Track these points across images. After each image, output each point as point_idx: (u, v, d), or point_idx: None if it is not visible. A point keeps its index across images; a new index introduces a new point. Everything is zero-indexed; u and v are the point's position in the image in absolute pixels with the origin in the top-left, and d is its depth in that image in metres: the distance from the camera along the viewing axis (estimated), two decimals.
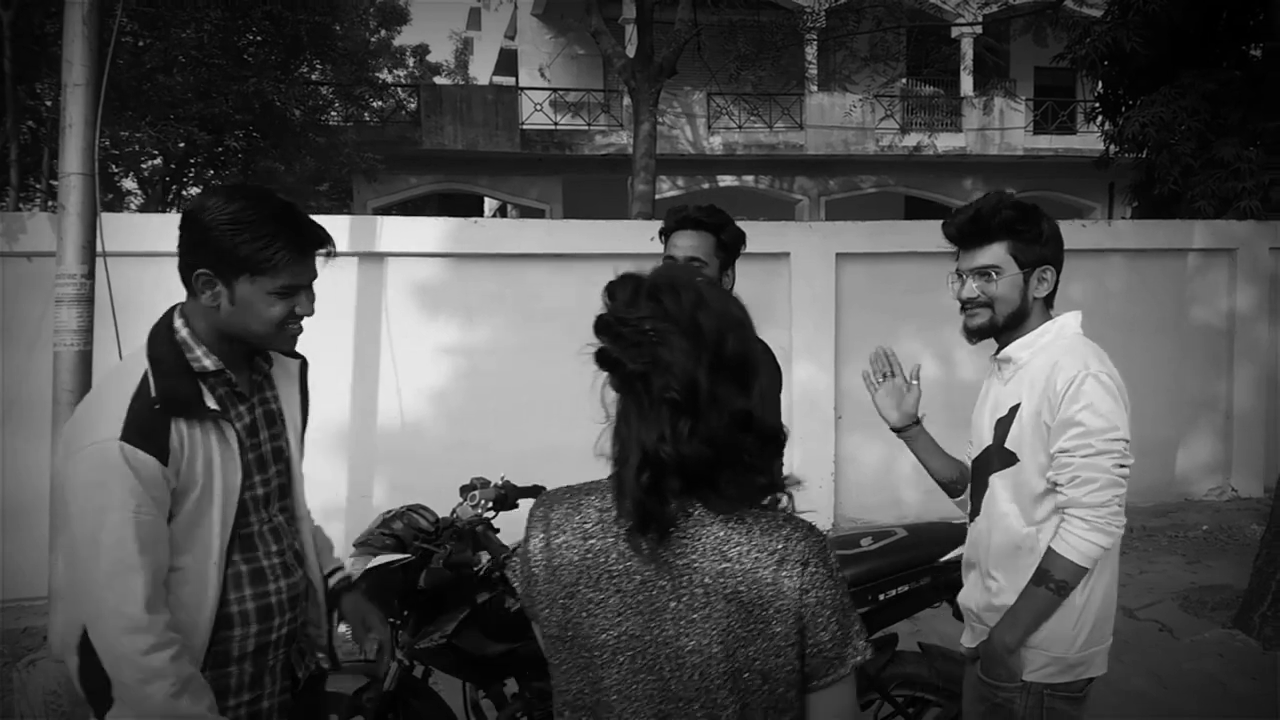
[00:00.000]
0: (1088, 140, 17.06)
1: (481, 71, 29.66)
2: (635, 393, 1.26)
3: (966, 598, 2.27)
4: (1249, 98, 9.22)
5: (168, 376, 1.67)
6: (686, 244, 2.59)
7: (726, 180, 20.10)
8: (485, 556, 2.59)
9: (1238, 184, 8.88)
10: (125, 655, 1.57)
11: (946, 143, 19.58)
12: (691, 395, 1.22)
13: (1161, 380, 7.13)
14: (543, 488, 2.95)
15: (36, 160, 10.68)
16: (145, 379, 1.65)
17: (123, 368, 1.73)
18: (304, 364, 2.01)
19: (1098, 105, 11.12)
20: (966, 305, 2.15)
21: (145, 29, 9.95)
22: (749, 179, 20.24)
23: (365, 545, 2.61)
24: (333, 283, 5.76)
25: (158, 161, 13.02)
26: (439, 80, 25.96)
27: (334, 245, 1.82)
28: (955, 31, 17.86)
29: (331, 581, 2.05)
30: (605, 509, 1.31)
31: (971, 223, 2.13)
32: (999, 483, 2.15)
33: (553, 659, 1.35)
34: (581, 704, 1.31)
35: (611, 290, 1.30)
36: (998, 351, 2.19)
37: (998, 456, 2.14)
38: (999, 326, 2.13)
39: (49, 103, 10.29)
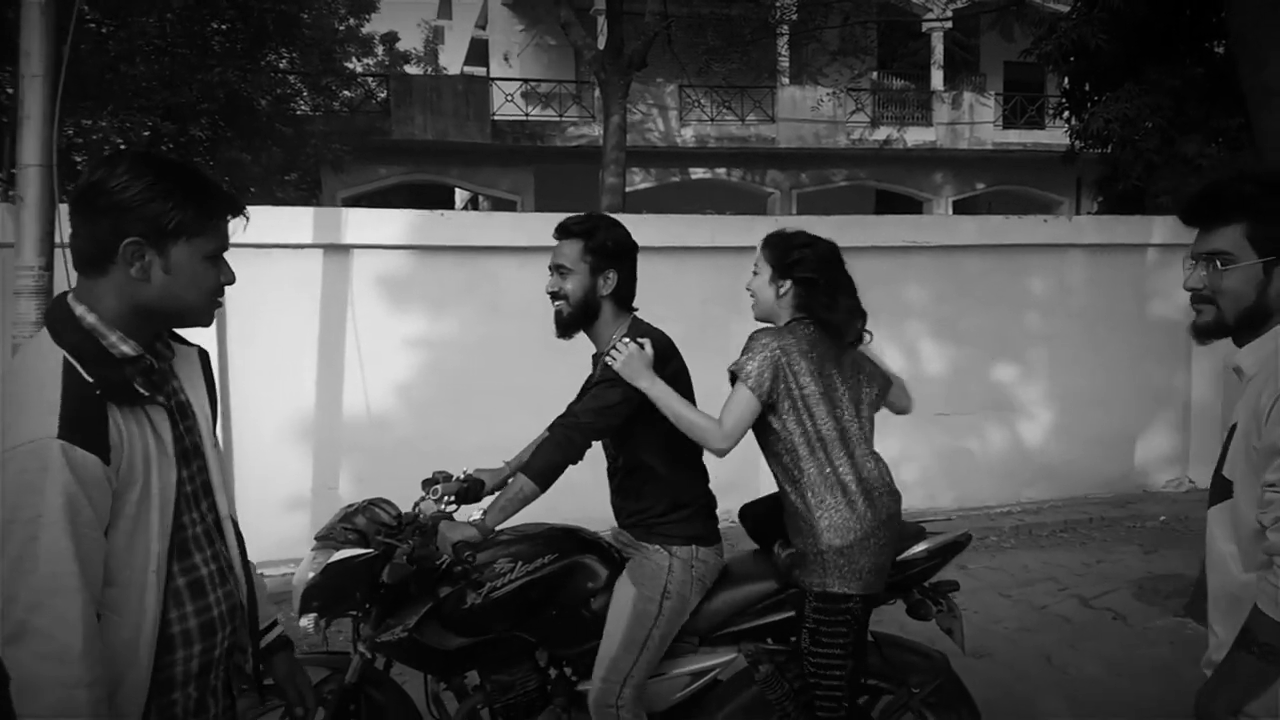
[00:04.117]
0: (1056, 135, 17.20)
1: (452, 61, 29.48)
2: (803, 285, 2.64)
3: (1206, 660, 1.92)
4: (1212, 94, 9.35)
5: (94, 363, 1.51)
6: (558, 252, 2.68)
7: (698, 173, 20.13)
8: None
9: (1200, 180, 9.02)
10: (45, 686, 1.39)
11: (917, 137, 19.71)
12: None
13: (1121, 373, 7.25)
14: None
15: None
16: (69, 368, 1.48)
17: (28, 363, 1.53)
18: (204, 353, 1.83)
19: (1064, 101, 11.24)
20: (1193, 298, 1.82)
21: (107, 17, 9.81)
22: (721, 171, 20.28)
23: (327, 539, 2.61)
24: (298, 274, 5.78)
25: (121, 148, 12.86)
26: (409, 69, 25.78)
27: (246, 212, 1.71)
28: (925, 26, 17.97)
29: (266, 639, 1.92)
30: (802, 335, 2.59)
31: (1203, 199, 1.81)
32: (1215, 518, 1.83)
33: (779, 408, 2.53)
34: (815, 432, 2.53)
35: (775, 237, 2.71)
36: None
37: (1216, 485, 1.81)
38: (1228, 327, 1.78)
39: (10, 90, 10.13)
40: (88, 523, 1.43)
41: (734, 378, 2.55)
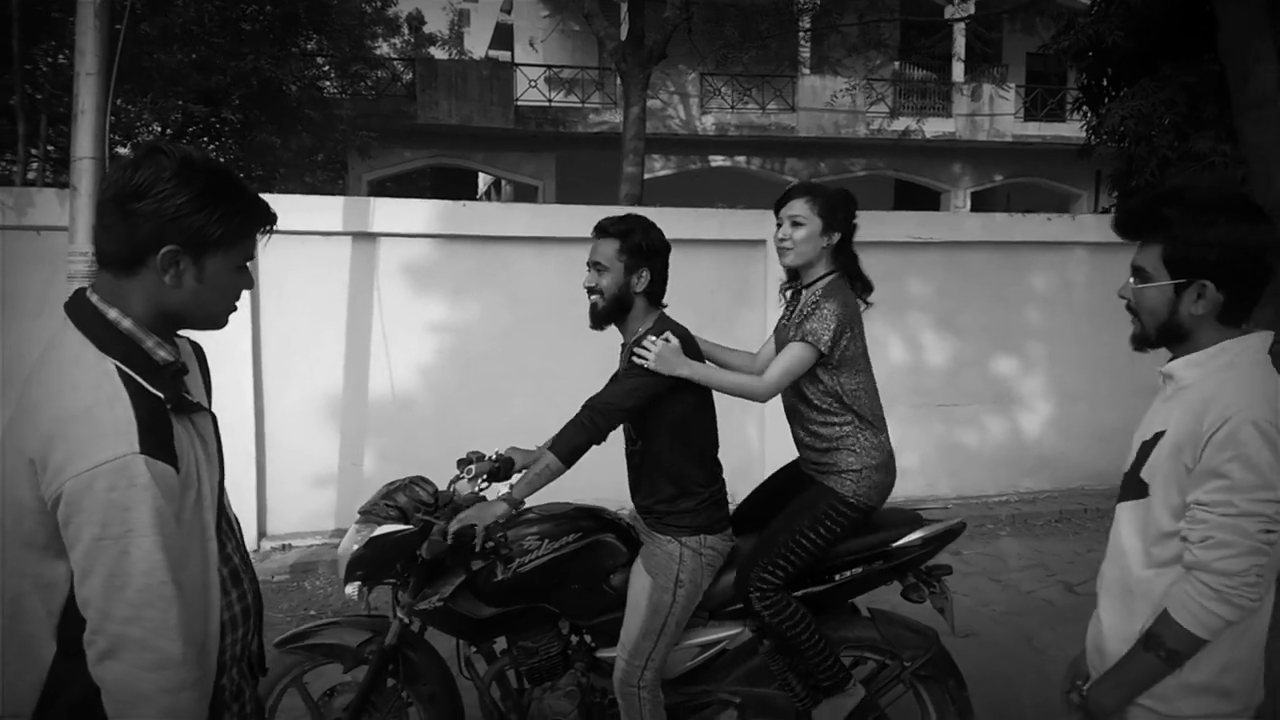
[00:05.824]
0: (1076, 128, 17.20)
1: (477, 45, 29.67)
2: (846, 239, 2.96)
3: (1088, 635, 2.02)
4: (1226, 92, 9.40)
5: (151, 374, 1.50)
6: (595, 249, 2.85)
7: (718, 160, 20.26)
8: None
9: (1212, 176, 9.10)
10: (147, 695, 1.40)
11: (936, 128, 19.78)
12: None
13: (1120, 368, 7.42)
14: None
15: (35, 127, 10.82)
16: (128, 380, 1.47)
17: (82, 375, 1.47)
18: (200, 349, 1.80)
19: (1081, 96, 11.32)
20: (1126, 307, 1.91)
21: (145, 5, 10.07)
22: (740, 159, 20.41)
23: (370, 514, 2.82)
24: (328, 260, 6.05)
25: (155, 130, 13.13)
26: (434, 52, 25.96)
27: (276, 219, 1.69)
28: (946, 16, 17.99)
29: None
30: (852, 298, 2.90)
31: (1130, 216, 1.87)
32: (1125, 514, 1.90)
33: (835, 361, 2.83)
34: (861, 383, 2.89)
35: (816, 189, 2.95)
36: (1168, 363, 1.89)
37: (1131, 484, 1.88)
38: (1151, 340, 1.87)
39: (44, 68, 10.42)
40: (172, 533, 1.44)
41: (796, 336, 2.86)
